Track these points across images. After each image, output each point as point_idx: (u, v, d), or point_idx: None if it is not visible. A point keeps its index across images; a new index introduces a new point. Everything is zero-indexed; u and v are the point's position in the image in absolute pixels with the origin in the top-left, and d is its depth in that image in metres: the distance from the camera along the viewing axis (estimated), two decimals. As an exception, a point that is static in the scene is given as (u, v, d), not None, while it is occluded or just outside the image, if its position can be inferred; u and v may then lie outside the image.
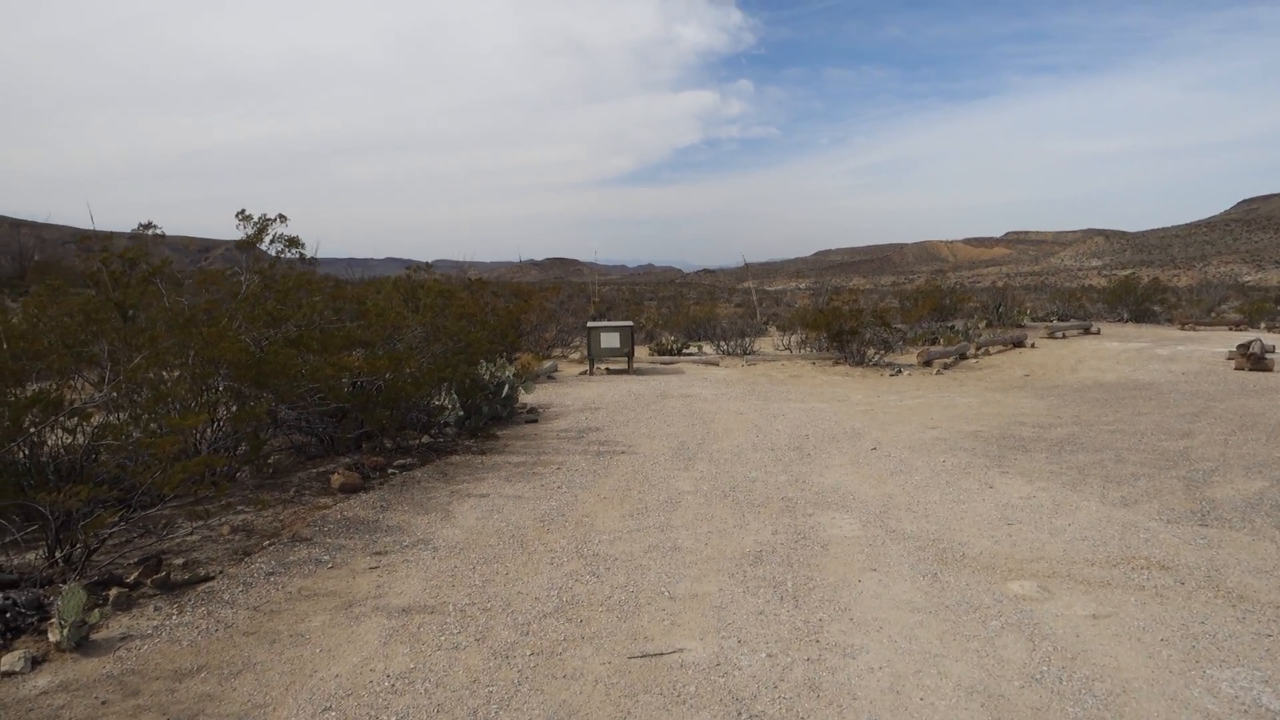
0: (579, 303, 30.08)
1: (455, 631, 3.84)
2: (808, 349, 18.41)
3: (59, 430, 4.92)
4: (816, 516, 5.66)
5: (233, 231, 7.61)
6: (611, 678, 3.38)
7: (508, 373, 9.91)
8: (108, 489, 4.33)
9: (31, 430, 4.64)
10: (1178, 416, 9.44)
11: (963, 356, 16.88)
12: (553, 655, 3.59)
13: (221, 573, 4.64)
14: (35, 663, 3.56)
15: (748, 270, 46.22)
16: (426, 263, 11.75)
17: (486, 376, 9.54)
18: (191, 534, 5.31)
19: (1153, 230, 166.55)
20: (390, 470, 7.12)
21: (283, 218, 7.53)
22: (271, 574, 4.61)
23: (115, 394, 4.86)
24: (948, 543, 5.08)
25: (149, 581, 4.37)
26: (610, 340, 15.19)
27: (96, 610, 3.88)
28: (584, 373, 15.34)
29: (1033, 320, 24.26)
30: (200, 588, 4.43)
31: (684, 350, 19.61)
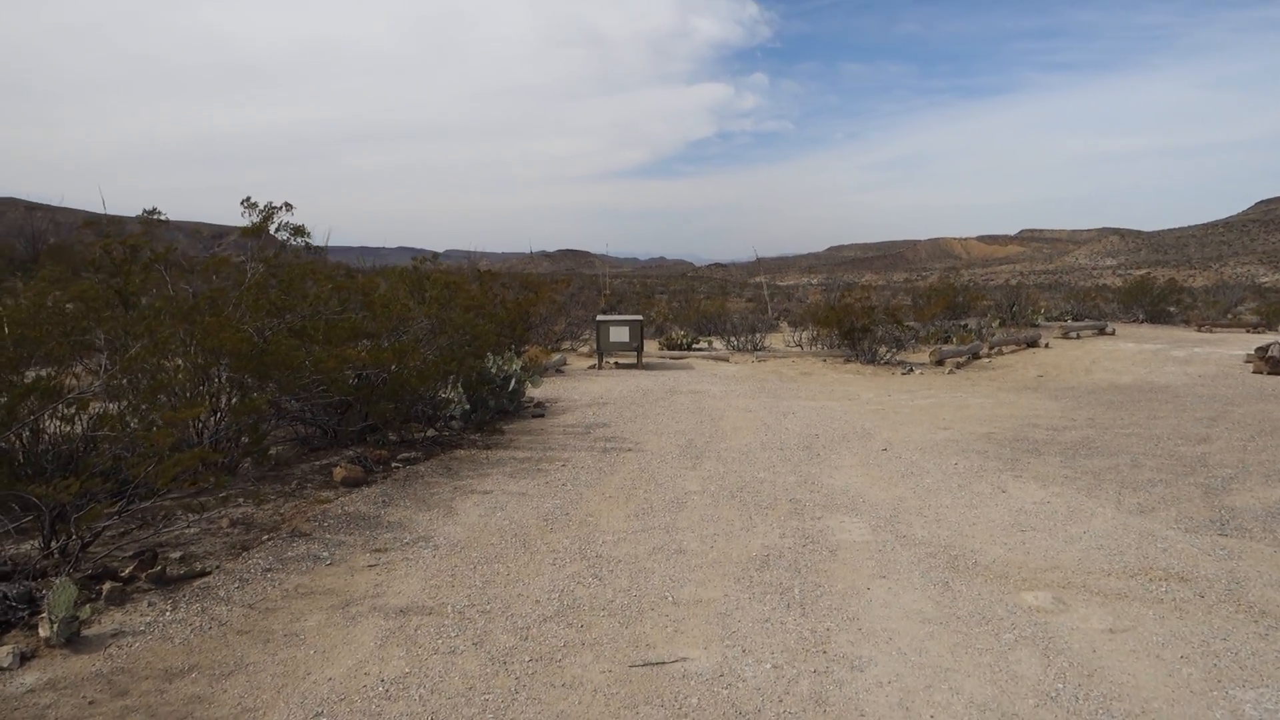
0: (589, 295, 30.00)
1: (453, 635, 3.75)
2: (819, 346, 18.26)
3: (56, 419, 4.86)
4: (825, 520, 5.55)
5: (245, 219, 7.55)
6: (611, 687, 3.28)
7: (515, 366, 9.81)
8: (101, 481, 4.24)
9: (29, 419, 4.57)
10: (1195, 421, 9.27)
11: (975, 356, 16.70)
12: (552, 662, 3.49)
13: (218, 567, 4.56)
14: (24, 659, 3.48)
15: (759, 265, 45.94)
16: (433, 253, 11.65)
17: (493, 370, 9.44)
18: (190, 527, 5.24)
19: (1169, 230, 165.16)
20: (394, 464, 7.04)
21: (288, 205, 7.45)
22: (269, 570, 4.53)
23: (112, 383, 4.78)
24: (959, 549, 4.96)
25: (144, 576, 4.29)
26: (619, 334, 15.07)
27: (88, 606, 3.81)
28: (593, 366, 15.24)
29: (1047, 320, 24.02)
30: (196, 583, 4.35)
31: (694, 345, 19.48)
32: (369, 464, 6.86)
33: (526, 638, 3.72)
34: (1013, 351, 17.42)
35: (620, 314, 21.20)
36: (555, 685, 3.29)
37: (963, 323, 22.03)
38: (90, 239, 7.14)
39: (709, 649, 3.61)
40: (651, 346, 19.07)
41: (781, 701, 3.17)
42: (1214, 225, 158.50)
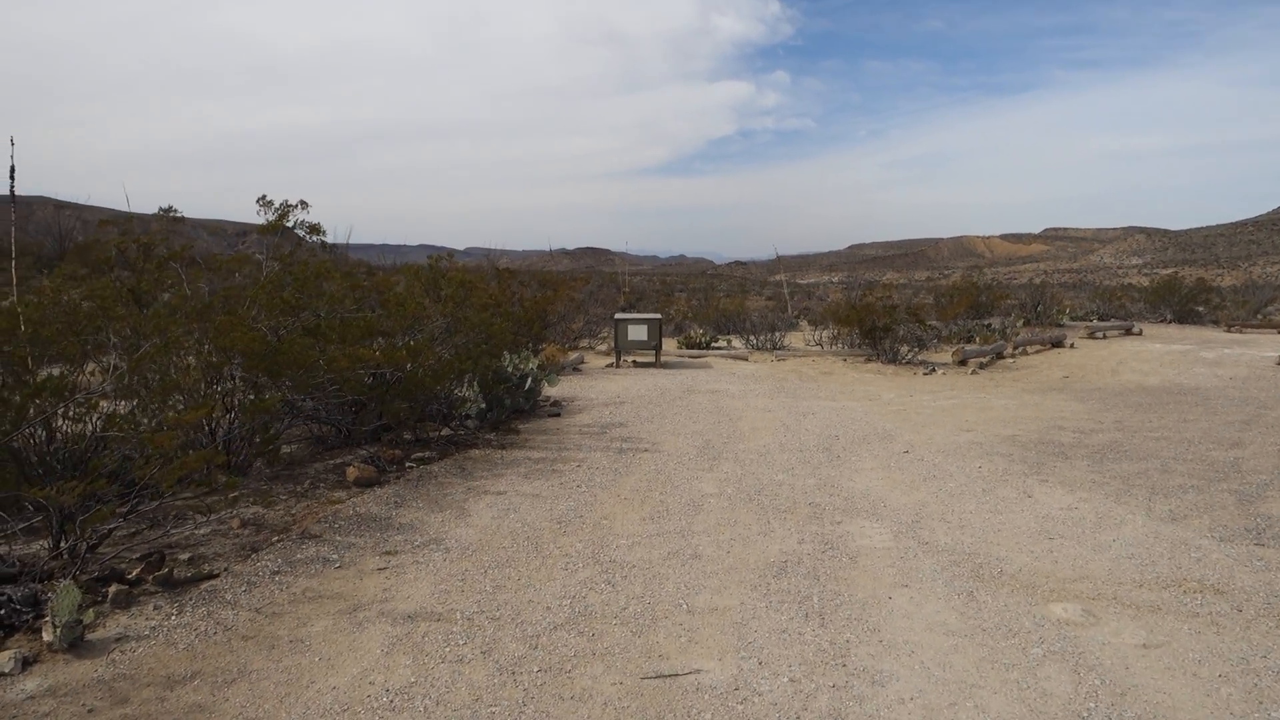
0: (609, 293, 29.91)
1: (461, 643, 3.66)
2: (839, 345, 18.07)
3: (65, 419, 4.81)
4: (845, 525, 5.41)
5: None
6: (622, 700, 3.17)
7: (531, 365, 9.72)
8: (106, 483, 4.18)
9: (37, 418, 4.52)
10: (1226, 424, 9.03)
11: (999, 356, 16.45)
12: (561, 673, 3.39)
13: (226, 570, 4.49)
14: (26, 664, 3.42)
15: (780, 263, 45.73)
16: (449, 251, 11.59)
17: (509, 368, 9.36)
18: (200, 528, 5.18)
19: (1196, 229, 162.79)
20: (408, 464, 6.97)
21: (304, 203, 7.40)
22: (277, 573, 4.46)
23: (121, 383, 4.72)
24: (984, 557, 4.81)
25: (151, 578, 4.23)
26: (638, 333, 14.96)
27: (91, 610, 3.75)
28: (610, 365, 15.14)
29: (1072, 319, 23.66)
30: (203, 586, 4.29)
31: (713, 344, 19.34)
32: (382, 464, 6.79)
33: (536, 646, 3.62)
34: (1037, 351, 17.15)
35: (639, 312, 21.08)
36: (564, 698, 3.19)
37: (986, 322, 21.74)
38: (108, 237, 7.12)
39: (724, 660, 3.50)
40: (670, 345, 18.96)
41: (799, 718, 3.04)
42: (1242, 224, 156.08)
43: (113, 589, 4.03)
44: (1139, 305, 27.74)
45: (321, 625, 3.85)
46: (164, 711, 3.09)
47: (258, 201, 7.45)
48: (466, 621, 3.88)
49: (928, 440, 8.22)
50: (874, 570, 4.58)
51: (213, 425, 6.05)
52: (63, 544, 4.42)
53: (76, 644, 3.57)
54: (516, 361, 9.67)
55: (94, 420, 4.67)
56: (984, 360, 15.78)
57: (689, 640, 3.70)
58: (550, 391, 10.89)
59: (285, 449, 7.16)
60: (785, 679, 3.34)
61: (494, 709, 3.10)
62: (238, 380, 5.85)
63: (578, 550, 4.89)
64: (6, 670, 3.34)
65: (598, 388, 12.00)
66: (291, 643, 3.67)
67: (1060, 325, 21.60)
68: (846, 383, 13.23)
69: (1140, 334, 19.57)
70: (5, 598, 3.78)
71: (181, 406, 5.42)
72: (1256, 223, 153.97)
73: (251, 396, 6.07)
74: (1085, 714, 3.08)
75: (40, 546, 4.63)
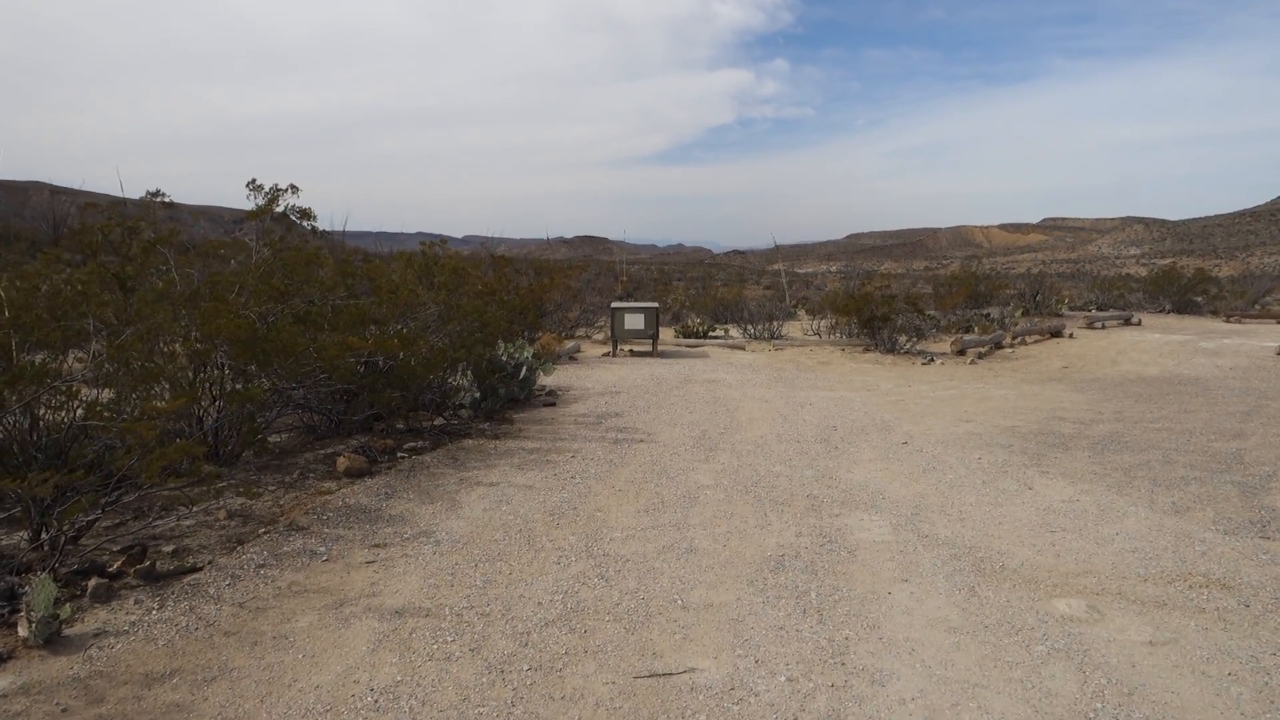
0: (606, 281, 29.75)
1: (449, 639, 3.55)
2: (837, 334, 17.95)
3: (46, 408, 4.69)
4: (844, 517, 5.31)
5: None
6: (614, 700, 3.07)
7: (526, 354, 9.60)
8: (84, 475, 4.07)
9: (17, 405, 4.40)
10: (1228, 415, 8.94)
11: (998, 346, 16.34)
12: (552, 671, 3.28)
13: (210, 563, 4.39)
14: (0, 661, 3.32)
15: (778, 252, 45.51)
16: (442, 238, 11.44)
17: (504, 357, 9.24)
18: (186, 519, 5.08)
19: (1194, 219, 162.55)
20: (400, 454, 6.86)
21: (294, 187, 7.26)
22: (262, 566, 4.36)
23: (101, 370, 4.60)
24: (985, 551, 4.71)
25: (132, 571, 4.13)
26: (634, 321, 14.84)
27: (68, 605, 3.64)
28: (607, 354, 15.03)
29: (1070, 309, 23.56)
30: (186, 579, 4.18)
31: (710, 333, 19.22)
32: (374, 454, 6.69)
33: (526, 644, 3.52)
34: (1036, 341, 17.05)
35: (636, 301, 20.96)
36: (554, 698, 3.09)
37: (984, 312, 21.64)
38: (94, 221, 6.98)
39: (719, 659, 3.40)
40: (667, 334, 18.84)
41: (797, 719, 2.95)
42: (1241, 214, 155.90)
43: (92, 582, 3.92)
44: (1138, 295, 27.64)
45: (306, 621, 3.75)
46: (140, 711, 2.98)
47: (247, 186, 7.31)
48: (455, 617, 3.78)
49: (926, 431, 8.13)
50: (873, 564, 4.49)
51: (201, 414, 5.94)
52: (44, 534, 4.31)
53: (53, 640, 3.47)
54: (511, 350, 9.55)
55: (73, 409, 4.55)
56: (982, 350, 15.68)
57: (684, 637, 3.60)
58: (546, 380, 10.78)
59: (275, 438, 7.05)
60: (783, 678, 3.24)
61: (481, 709, 3.00)
62: (224, 368, 5.73)
63: (571, 543, 4.79)
64: (-21, 667, 3.23)
65: (594, 377, 11.89)
66: (275, 639, 3.57)
67: (1059, 315, 21.50)
68: (844, 372, 13.12)
69: (1139, 324, 19.49)
70: (-20, 592, 3.67)
71: (167, 395, 5.31)
72: (1254, 213, 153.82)
73: (239, 385, 5.95)
74: (1092, 715, 2.98)
75: (21, 538, 4.53)
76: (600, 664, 3.35)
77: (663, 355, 14.95)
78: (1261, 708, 3.04)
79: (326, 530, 4.94)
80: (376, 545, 4.72)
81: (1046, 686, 3.18)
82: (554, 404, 9.51)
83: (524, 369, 9.34)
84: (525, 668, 3.31)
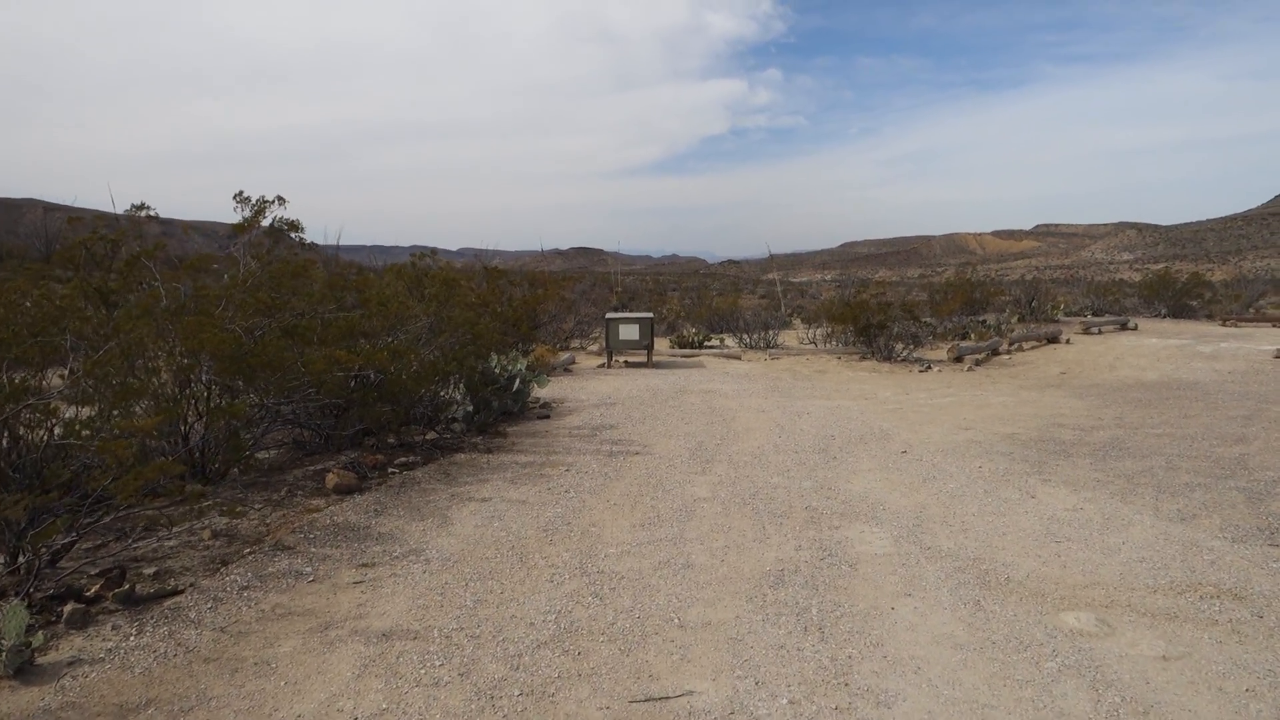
0: (601, 292, 29.64)
1: (438, 664, 3.42)
2: (833, 343, 17.86)
3: (24, 427, 4.56)
4: (844, 530, 5.19)
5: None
6: (609, 727, 2.94)
7: (520, 365, 9.49)
8: (56, 496, 3.94)
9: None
10: (1229, 420, 8.85)
11: (995, 352, 16.26)
12: (544, 696, 3.15)
13: (192, 585, 4.25)
14: (-33, 692, 3.18)
15: (773, 261, 45.48)
16: (432, 249, 11.34)
17: (497, 369, 9.12)
18: (169, 540, 4.94)
19: (1186, 223, 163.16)
20: (391, 469, 6.73)
21: (281, 199, 7.14)
22: (246, 588, 4.22)
23: (76, 388, 4.47)
24: (990, 563, 4.59)
25: (110, 595, 3.99)
26: (629, 332, 14.73)
27: (40, 633, 3.50)
28: (602, 365, 14.91)
29: (1066, 315, 23.51)
30: (167, 602, 4.05)
31: (705, 343, 19.12)
32: (364, 470, 6.55)
33: (518, 667, 3.39)
34: (1033, 347, 16.98)
35: (631, 311, 20.86)
36: (546, 725, 2.96)
37: (981, 318, 21.58)
38: (77, 235, 6.86)
39: (718, 681, 3.27)
40: (662, 345, 18.73)
41: (799, 745, 2.82)
42: (1232, 218, 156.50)
43: (68, 608, 3.78)
44: (1133, 300, 27.63)
45: (289, 645, 3.61)
46: (113, 745, 2.85)
47: (234, 198, 7.20)
48: (444, 640, 3.65)
49: (926, 439, 8.02)
50: (875, 578, 4.36)
51: (187, 431, 5.81)
52: (20, 557, 4.17)
53: (24, 669, 3.33)
54: (504, 362, 9.43)
55: (49, 427, 4.41)
56: (980, 357, 15.59)
57: (681, 658, 3.47)
58: (540, 393, 10.65)
59: (263, 454, 6.91)
60: (784, 700, 3.11)
61: (470, 738, 2.87)
62: (207, 383, 5.60)
63: (564, 560, 4.66)
64: (-55, 700, 3.10)
65: (588, 388, 11.77)
66: (256, 665, 3.43)
67: (1055, 321, 21.45)
68: (841, 381, 13.02)
69: (1135, 329, 19.43)
70: (-51, 620, 3.53)
71: (152, 413, 5.18)
72: (1246, 217, 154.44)
73: (225, 401, 5.83)
74: (1107, 736, 2.86)
75: (-2, 562, 4.39)
76: (594, 688, 3.22)
77: (658, 366, 14.84)
78: (1282, 726, 2.92)
79: (314, 550, 4.81)
80: (364, 565, 4.58)
81: (1059, 706, 3.06)
82: (548, 416, 9.38)
83: (517, 381, 9.22)
84: (516, 693, 3.18)
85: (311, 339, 6.36)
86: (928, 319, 19.11)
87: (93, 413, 4.64)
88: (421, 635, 3.69)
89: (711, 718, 2.99)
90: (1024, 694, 3.14)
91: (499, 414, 8.85)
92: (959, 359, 15.27)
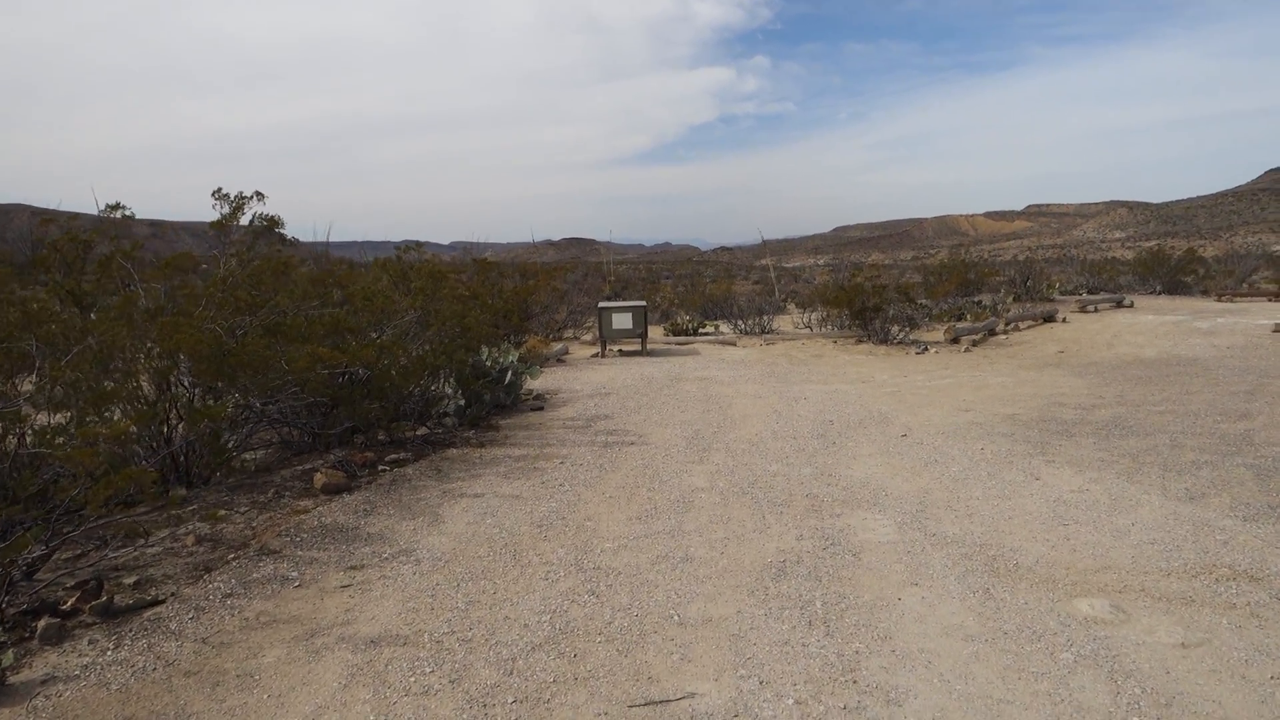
0: (593, 282, 29.45)
1: (428, 671, 3.28)
2: (829, 327, 17.72)
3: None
4: (846, 517, 5.06)
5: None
6: (607, 734, 2.81)
7: (511, 357, 9.32)
8: (22, 508, 3.78)
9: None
10: (1231, 395, 8.74)
11: (991, 333, 16.14)
12: (539, 703, 3.01)
13: (174, 594, 4.10)
14: (-66, 715, 3.03)
15: (765, 247, 45.34)
16: (418, 243, 11.16)
17: (488, 362, 8.96)
18: (151, 547, 4.78)
19: (1177, 201, 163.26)
20: (380, 466, 6.57)
21: (260, 195, 6.95)
22: (229, 595, 4.07)
23: (44, 393, 4.30)
24: (997, 549, 4.46)
25: (87, 608, 3.83)
26: (622, 321, 14.57)
27: (10, 651, 3.35)
28: (596, 355, 14.75)
29: (1061, 294, 23.40)
30: (147, 613, 3.89)
31: (700, 330, 18.96)
32: (353, 468, 6.40)
33: (511, 672, 3.24)
34: (1029, 327, 16.85)
35: (624, 300, 20.68)
36: (542, 734, 2.82)
37: (976, 299, 21.46)
38: (49, 236, 6.67)
39: (720, 681, 3.13)
40: (656, 332, 18.57)
41: (807, 748, 2.69)
42: (1223, 195, 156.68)
43: (42, 623, 3.63)
44: (1128, 278, 27.52)
45: (274, 655, 3.46)
46: (85, 768, 2.70)
47: (213, 195, 7.01)
48: (435, 645, 3.50)
49: (926, 422, 7.89)
50: (880, 568, 4.23)
51: (170, 434, 5.65)
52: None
53: (-6, 689, 3.18)
54: (496, 355, 9.27)
55: (19, 434, 4.25)
56: (976, 338, 15.47)
57: (681, 658, 3.33)
58: (533, 384, 10.49)
59: (250, 455, 6.75)
60: (790, 700, 2.97)
61: (461, 751, 2.73)
62: (186, 385, 5.43)
63: (559, 557, 4.52)
64: (-90, 724, 2.95)
65: (582, 379, 11.61)
66: (239, 678, 3.28)
67: (1050, 300, 21.33)
68: (838, 365, 12.88)
69: (1132, 306, 19.32)
70: (-84, 639, 3.38)
71: (130, 417, 5.01)
72: (1236, 193, 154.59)
73: (207, 402, 5.66)
74: (1129, 730, 2.73)
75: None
76: (591, 692, 3.08)
77: (652, 354, 14.68)
78: (1311, 714, 2.80)
79: (300, 553, 4.66)
80: (353, 567, 4.43)
81: (1077, 699, 2.92)
82: (542, 408, 9.23)
83: (509, 373, 9.06)
84: (510, 700, 3.03)
85: (295, 337, 6.19)
86: (923, 301, 18.97)
87: (66, 419, 4.48)
88: (411, 641, 3.55)
89: (714, 721, 2.85)
90: (1040, 687, 3.01)
91: (491, 407, 8.70)
92: (956, 340, 15.14)
